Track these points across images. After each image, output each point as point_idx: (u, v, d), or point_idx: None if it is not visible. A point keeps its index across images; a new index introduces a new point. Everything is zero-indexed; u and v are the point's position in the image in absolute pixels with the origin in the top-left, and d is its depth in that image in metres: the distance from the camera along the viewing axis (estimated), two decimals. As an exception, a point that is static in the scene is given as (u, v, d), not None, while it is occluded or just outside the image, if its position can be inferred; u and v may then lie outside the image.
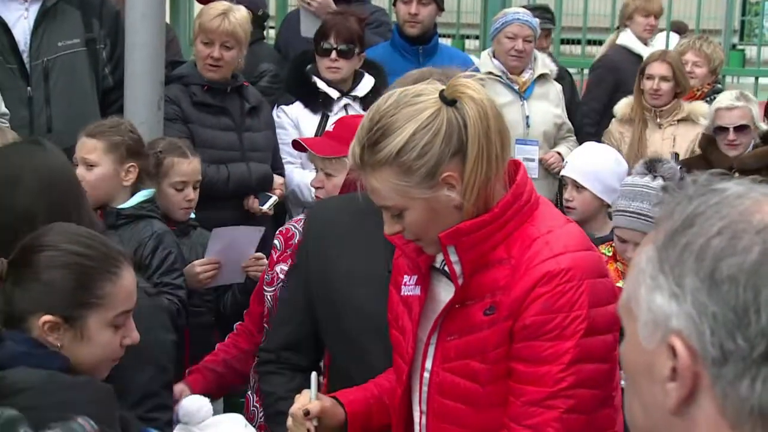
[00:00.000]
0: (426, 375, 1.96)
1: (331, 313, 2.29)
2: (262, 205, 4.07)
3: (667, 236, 1.04)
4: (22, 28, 3.82)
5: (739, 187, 1.05)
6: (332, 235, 2.31)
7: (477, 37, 8.42)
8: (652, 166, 3.18)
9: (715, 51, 5.28)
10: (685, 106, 4.85)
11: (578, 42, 8.62)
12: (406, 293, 2.00)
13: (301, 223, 2.76)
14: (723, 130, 4.45)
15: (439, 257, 1.93)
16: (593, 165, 3.77)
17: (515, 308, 1.84)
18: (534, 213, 1.89)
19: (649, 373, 1.04)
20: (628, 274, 1.11)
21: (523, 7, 5.97)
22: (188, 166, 3.52)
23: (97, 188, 3.17)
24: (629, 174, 3.50)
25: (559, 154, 4.84)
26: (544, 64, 4.93)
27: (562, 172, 3.96)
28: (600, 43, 8.13)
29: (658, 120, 4.81)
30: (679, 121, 4.81)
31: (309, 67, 4.28)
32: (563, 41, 8.64)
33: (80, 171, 3.18)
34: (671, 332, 1.01)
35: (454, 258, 1.85)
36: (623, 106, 4.92)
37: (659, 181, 3.09)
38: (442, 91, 1.80)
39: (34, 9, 3.84)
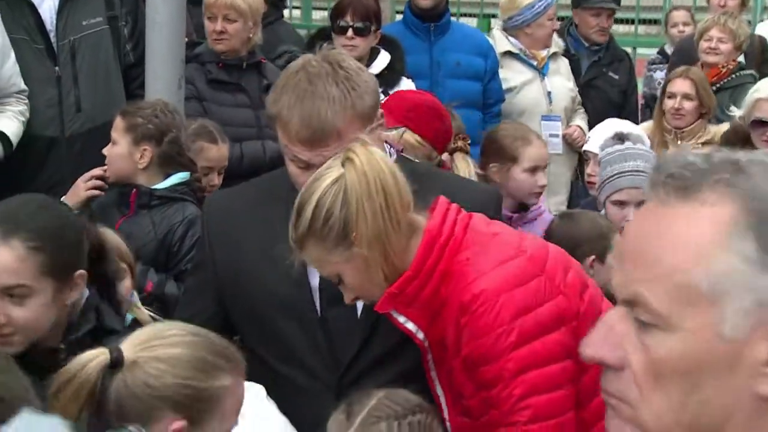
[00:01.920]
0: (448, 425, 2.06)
1: (241, 297, 2.26)
2: None
3: (762, 215, 0.99)
4: (48, 8, 3.91)
5: (750, 155, 1.03)
6: (232, 221, 2.29)
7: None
8: (621, 135, 3.29)
9: (740, 27, 5.16)
10: (711, 128, 4.55)
11: (631, 21, 8.37)
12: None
13: None
14: (762, 124, 3.97)
15: None
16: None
17: (454, 344, 1.95)
18: (461, 244, 1.96)
19: (728, 365, 0.99)
20: (678, 261, 1.01)
21: None
22: (216, 152, 3.56)
23: (113, 164, 3.34)
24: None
25: (580, 128, 4.92)
26: (554, 40, 5.01)
27: (585, 147, 4.04)
28: (653, 22, 7.88)
29: (680, 143, 4.49)
30: (703, 144, 4.43)
31: (325, 44, 4.34)
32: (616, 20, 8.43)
33: (108, 147, 3.33)
34: None
35: (402, 319, 1.98)
36: (643, 128, 4.60)
37: (640, 145, 3.21)
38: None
39: None
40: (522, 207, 3.66)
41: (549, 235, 3.05)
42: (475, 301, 1.90)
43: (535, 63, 4.91)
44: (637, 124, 4.67)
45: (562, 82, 4.99)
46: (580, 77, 5.34)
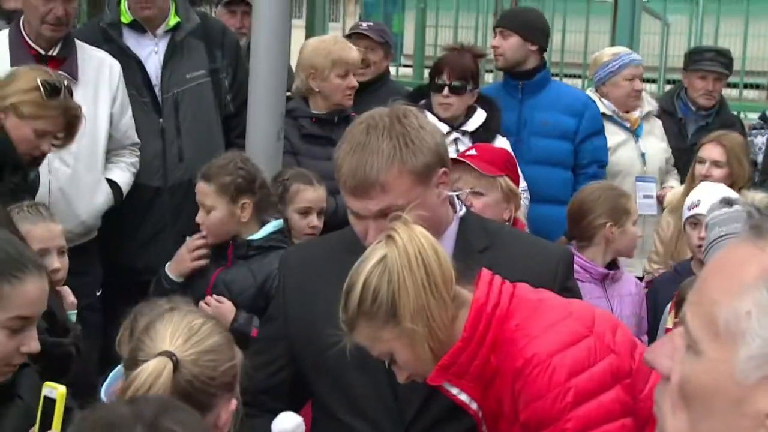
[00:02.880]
0: None
1: (313, 348, 2.27)
2: None
3: None
4: (153, 63, 4.09)
5: None
6: (308, 274, 2.33)
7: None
8: (729, 200, 3.20)
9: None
10: (748, 194, 4.17)
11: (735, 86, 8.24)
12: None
13: None
14: None
15: None
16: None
17: (511, 411, 1.94)
18: (508, 311, 1.97)
19: (736, 405, 1.00)
20: (719, 295, 1.04)
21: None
22: (313, 193, 3.62)
23: (219, 230, 3.32)
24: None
25: (673, 189, 4.82)
26: (648, 101, 4.94)
27: (694, 211, 3.95)
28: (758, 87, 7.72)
29: None
30: None
31: (422, 102, 4.41)
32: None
33: (200, 215, 3.33)
34: None
35: (455, 390, 1.97)
36: (675, 193, 4.59)
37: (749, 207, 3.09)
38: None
39: (164, 44, 4.11)
40: (612, 264, 3.61)
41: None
42: (528, 365, 1.90)
43: (628, 125, 4.87)
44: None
45: (656, 144, 4.95)
46: (686, 140, 5.25)
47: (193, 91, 4.12)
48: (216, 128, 4.20)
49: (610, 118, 4.85)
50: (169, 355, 1.77)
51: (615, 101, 4.87)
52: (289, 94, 4.13)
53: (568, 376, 1.88)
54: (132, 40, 4.12)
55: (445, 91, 4.26)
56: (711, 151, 4.39)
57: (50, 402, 1.79)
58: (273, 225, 3.35)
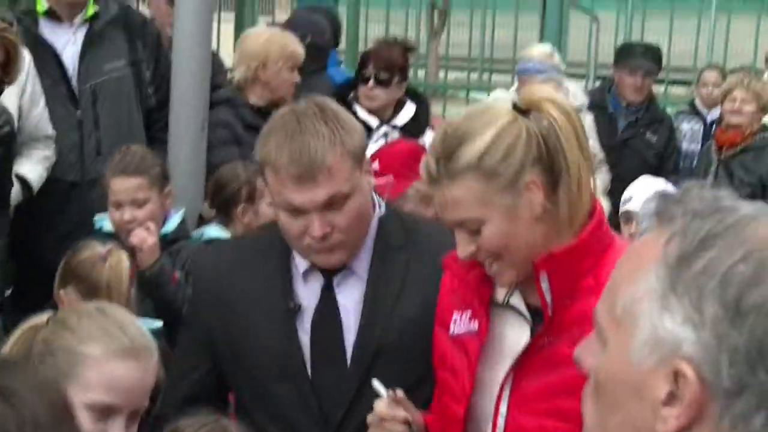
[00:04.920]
0: (500, 420, 1.84)
1: (234, 355, 2.16)
2: None
3: (681, 256, 0.99)
4: (70, 53, 3.95)
5: (750, 207, 1.01)
6: (223, 278, 2.18)
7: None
8: (663, 194, 3.20)
9: (764, 88, 5.15)
10: None
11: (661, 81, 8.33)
12: (457, 332, 1.89)
13: None
14: None
15: (501, 291, 1.85)
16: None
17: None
18: (613, 237, 1.82)
19: (635, 392, 1.00)
20: (620, 282, 1.04)
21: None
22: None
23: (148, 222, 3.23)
24: None
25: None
26: (575, 96, 4.92)
27: (626, 207, 3.94)
28: (684, 83, 7.84)
29: None
30: None
31: (352, 94, 4.35)
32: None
33: (132, 211, 3.23)
34: (680, 358, 0.96)
35: (545, 286, 1.76)
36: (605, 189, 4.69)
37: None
38: (515, 103, 1.77)
39: (81, 34, 3.97)
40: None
41: None
42: None
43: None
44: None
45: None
46: (617, 136, 5.26)
47: (112, 83, 3.99)
48: (136, 121, 4.08)
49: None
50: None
51: None
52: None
53: None
54: (47, 30, 3.97)
55: (371, 82, 4.23)
56: None
57: None
58: (179, 215, 3.37)
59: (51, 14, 3.96)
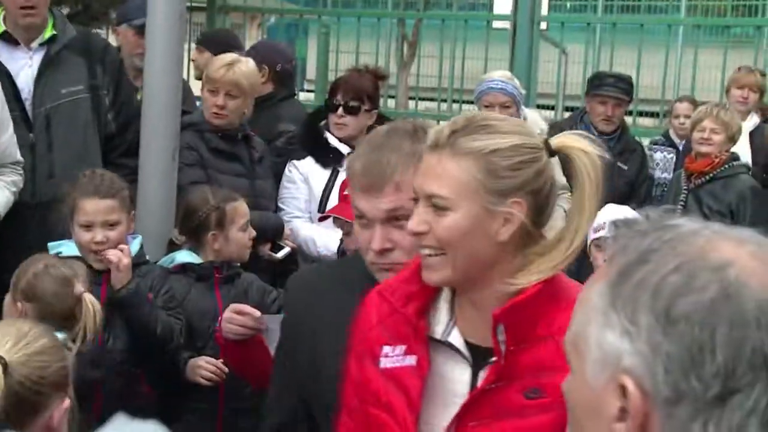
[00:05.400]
0: None
1: (318, 389, 2.09)
2: (276, 254, 4.07)
3: (621, 272, 1.01)
4: (25, 77, 3.89)
5: (693, 224, 1.03)
6: (315, 305, 2.14)
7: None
8: (627, 221, 3.16)
9: (732, 118, 5.16)
10: None
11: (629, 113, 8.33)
12: (388, 365, 1.79)
13: None
14: None
15: (439, 327, 1.76)
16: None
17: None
18: (568, 284, 1.75)
19: (595, 413, 1.01)
20: (576, 309, 1.06)
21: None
22: (243, 207, 3.60)
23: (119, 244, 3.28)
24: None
25: (564, 210, 4.77)
26: (535, 123, 4.86)
27: (599, 234, 3.90)
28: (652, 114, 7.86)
29: None
30: None
31: (323, 122, 4.30)
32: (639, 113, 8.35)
33: (104, 233, 3.25)
34: (622, 371, 0.98)
35: (501, 338, 1.69)
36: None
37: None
38: (546, 140, 1.73)
39: (38, 57, 3.91)
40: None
41: None
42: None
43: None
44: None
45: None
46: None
47: (69, 106, 3.93)
48: (93, 145, 4.01)
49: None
50: None
51: None
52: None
53: None
54: (4, 53, 3.90)
55: (340, 110, 4.19)
56: None
57: None
58: (138, 241, 3.40)
59: (8, 37, 3.91)
